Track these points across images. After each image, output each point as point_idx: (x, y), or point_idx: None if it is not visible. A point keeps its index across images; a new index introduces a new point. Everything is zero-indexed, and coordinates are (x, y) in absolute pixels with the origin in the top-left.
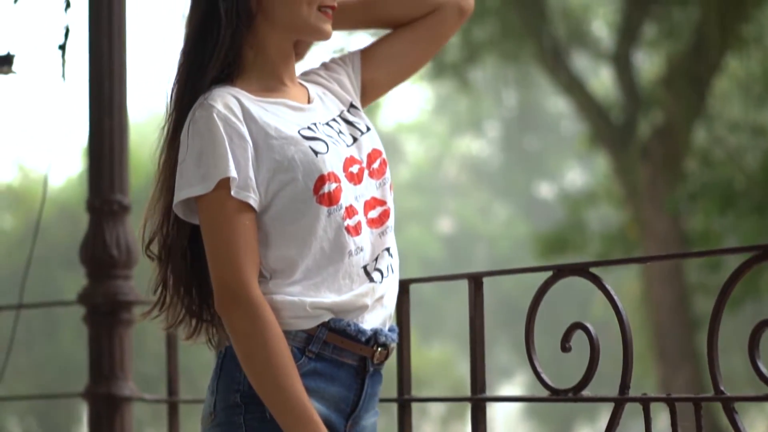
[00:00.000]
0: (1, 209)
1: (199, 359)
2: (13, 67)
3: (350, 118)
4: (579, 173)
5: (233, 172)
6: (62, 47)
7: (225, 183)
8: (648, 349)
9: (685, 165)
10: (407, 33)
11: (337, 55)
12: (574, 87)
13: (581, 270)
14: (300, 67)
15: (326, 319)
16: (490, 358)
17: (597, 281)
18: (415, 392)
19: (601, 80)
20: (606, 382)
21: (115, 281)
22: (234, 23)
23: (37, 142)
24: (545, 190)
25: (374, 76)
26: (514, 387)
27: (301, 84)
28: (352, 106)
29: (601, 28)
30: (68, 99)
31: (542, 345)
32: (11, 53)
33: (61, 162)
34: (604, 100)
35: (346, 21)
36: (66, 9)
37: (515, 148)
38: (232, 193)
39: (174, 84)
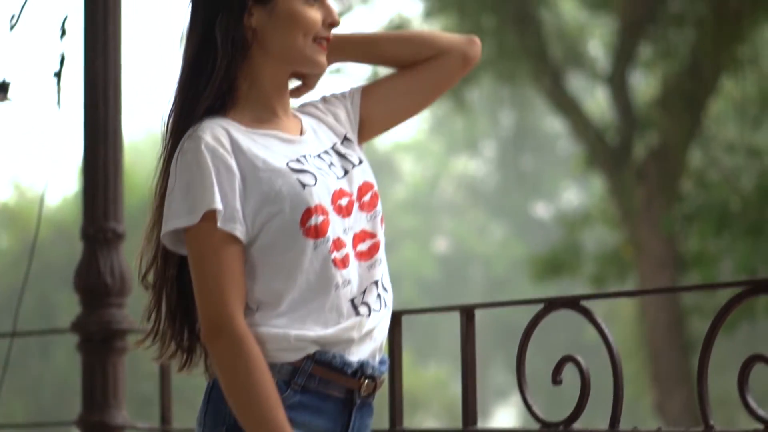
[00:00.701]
0: None
1: (195, 381)
2: (9, 95)
3: (343, 150)
4: (575, 193)
5: (219, 204)
6: (58, 75)
7: (211, 215)
8: (643, 371)
9: (680, 186)
10: (410, 75)
11: (339, 90)
12: (570, 108)
13: (572, 303)
14: (305, 97)
15: (311, 352)
16: (485, 379)
17: (588, 315)
18: (411, 413)
19: (597, 101)
20: (603, 404)
21: (108, 309)
22: (229, 54)
23: (33, 162)
24: (541, 210)
25: (373, 113)
26: (510, 408)
27: (294, 115)
28: (345, 138)
29: (597, 48)
30: (64, 126)
31: (539, 364)
32: (6, 81)
33: (57, 181)
34: (600, 121)
35: (350, 54)
36: (61, 37)
37: (511, 167)
38: (218, 224)
39: (169, 113)
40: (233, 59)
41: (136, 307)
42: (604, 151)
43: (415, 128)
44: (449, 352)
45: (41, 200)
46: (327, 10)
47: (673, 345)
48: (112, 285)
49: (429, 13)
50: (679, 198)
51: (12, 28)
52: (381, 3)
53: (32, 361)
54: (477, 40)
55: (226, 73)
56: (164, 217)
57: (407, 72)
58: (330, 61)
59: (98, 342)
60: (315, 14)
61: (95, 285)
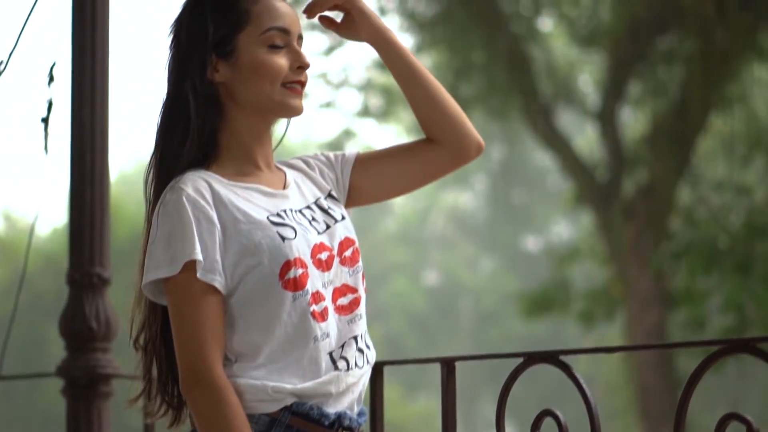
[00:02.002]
0: None
1: None
2: None
3: (326, 205)
4: (565, 227)
5: (199, 255)
6: (45, 121)
7: (191, 265)
8: (631, 406)
9: (669, 224)
10: (403, 157)
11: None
12: (560, 144)
13: (551, 357)
14: (299, 148)
15: (289, 403)
16: (474, 410)
17: (567, 370)
18: None
19: (587, 137)
20: None
21: (94, 354)
22: (201, 112)
23: (24, 191)
24: (532, 243)
25: (362, 186)
26: None
27: (279, 168)
28: (330, 195)
29: (587, 84)
30: (51, 169)
31: (529, 389)
32: None
33: (48, 212)
34: (589, 158)
35: (383, 52)
36: (49, 83)
37: (502, 201)
38: (198, 275)
39: (150, 177)
40: (206, 116)
41: (121, 351)
42: (593, 188)
43: None
44: (438, 384)
45: (31, 233)
46: (294, 55)
47: (661, 381)
48: (98, 330)
49: (420, 48)
50: (668, 235)
51: (0, 73)
52: None
53: (20, 392)
54: (483, 146)
55: (200, 131)
56: (145, 267)
57: (403, 153)
58: (364, 39)
59: (83, 386)
60: (280, 60)
61: (81, 330)
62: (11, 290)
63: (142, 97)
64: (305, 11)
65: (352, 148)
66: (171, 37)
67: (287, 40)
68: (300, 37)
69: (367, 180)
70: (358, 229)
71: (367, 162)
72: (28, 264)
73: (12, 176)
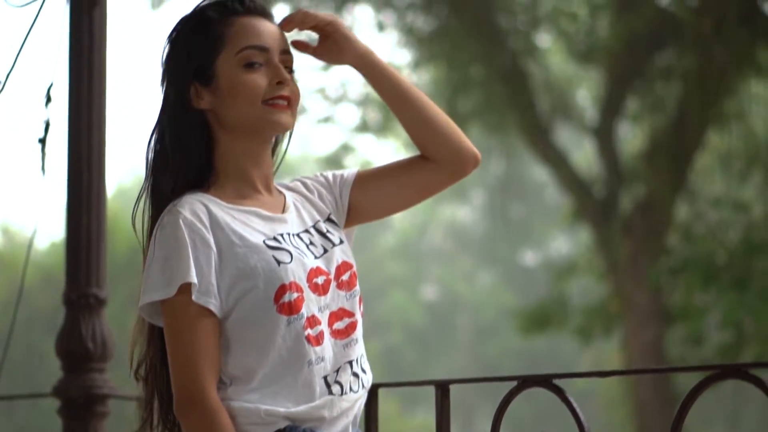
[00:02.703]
0: None
1: None
2: None
3: (324, 228)
4: (563, 242)
5: (194, 278)
6: (42, 141)
7: (186, 288)
8: (629, 423)
9: (666, 240)
10: (401, 174)
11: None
12: (557, 160)
13: (545, 381)
14: (297, 162)
15: (282, 426)
16: (472, 426)
17: (560, 394)
18: None
19: (585, 152)
20: None
21: (90, 374)
22: (183, 140)
23: (21, 206)
24: (530, 258)
25: (360, 203)
26: None
27: (279, 191)
28: (329, 219)
29: (585, 100)
30: (48, 188)
31: (526, 404)
32: None
33: (46, 226)
34: (587, 174)
35: (370, 76)
36: (47, 104)
37: (500, 216)
38: (193, 298)
39: (147, 205)
40: (187, 144)
41: (117, 370)
42: (591, 204)
43: None
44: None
45: (28, 250)
46: (273, 70)
47: (659, 397)
48: (94, 350)
49: (418, 64)
50: (666, 251)
51: None
52: None
53: (19, 409)
54: (480, 159)
55: (182, 159)
56: (142, 288)
57: (400, 171)
58: (349, 62)
59: (79, 407)
60: (257, 79)
61: (77, 350)
62: (9, 303)
63: (140, 110)
64: (282, 23)
65: (351, 167)
66: (160, 68)
67: (266, 57)
68: (285, 52)
69: (366, 199)
70: (356, 243)
71: (365, 181)
72: (25, 278)
73: (10, 190)
